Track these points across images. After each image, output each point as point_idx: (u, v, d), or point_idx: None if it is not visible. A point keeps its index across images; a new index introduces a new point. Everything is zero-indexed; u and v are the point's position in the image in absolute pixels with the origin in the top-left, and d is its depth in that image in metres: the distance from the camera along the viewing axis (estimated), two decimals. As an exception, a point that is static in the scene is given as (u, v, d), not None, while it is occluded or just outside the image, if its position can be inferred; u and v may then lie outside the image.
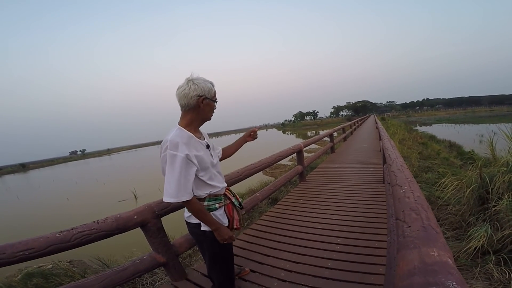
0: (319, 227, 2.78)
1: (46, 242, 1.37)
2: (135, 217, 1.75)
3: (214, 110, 1.37)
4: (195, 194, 1.31)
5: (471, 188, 2.70)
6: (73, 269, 3.18)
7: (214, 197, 1.38)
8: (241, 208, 1.55)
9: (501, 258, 1.98)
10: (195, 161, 1.24)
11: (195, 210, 1.27)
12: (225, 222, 1.42)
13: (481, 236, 2.13)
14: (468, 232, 2.33)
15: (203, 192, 1.34)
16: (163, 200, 1.19)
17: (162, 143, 1.25)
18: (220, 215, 1.40)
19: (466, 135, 17.59)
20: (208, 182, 1.33)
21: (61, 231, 1.45)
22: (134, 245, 3.40)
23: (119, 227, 1.66)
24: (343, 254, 2.20)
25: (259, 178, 7.28)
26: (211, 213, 1.35)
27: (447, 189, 3.05)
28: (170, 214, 1.96)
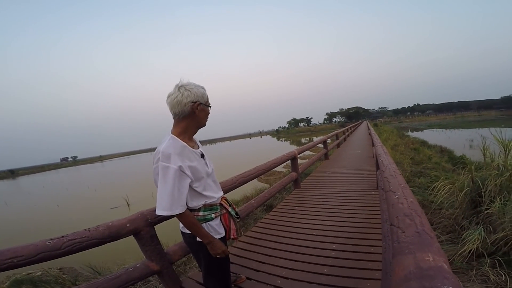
0: (314, 233, 2.78)
1: (36, 249, 1.33)
2: (127, 225, 1.71)
3: (208, 116, 1.33)
4: (189, 205, 1.28)
5: (463, 192, 2.74)
6: (64, 276, 3.11)
7: (209, 207, 1.34)
8: (237, 218, 1.52)
9: (496, 261, 2.01)
10: (189, 173, 1.20)
11: (188, 223, 1.24)
12: (222, 232, 1.38)
13: (475, 239, 2.16)
14: (462, 235, 2.36)
15: (198, 203, 1.30)
16: (156, 213, 1.17)
17: (154, 153, 1.21)
18: (216, 225, 1.36)
19: (456, 140, 17.92)
20: (202, 192, 1.30)
21: (51, 239, 1.41)
22: (127, 252, 3.34)
23: (111, 235, 1.63)
24: (338, 260, 2.20)
25: (253, 185, 7.26)
26: (207, 223, 1.33)
27: (440, 193, 3.09)
28: (164, 221, 1.93)
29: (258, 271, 2.19)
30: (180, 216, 1.21)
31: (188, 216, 1.23)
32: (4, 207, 15.77)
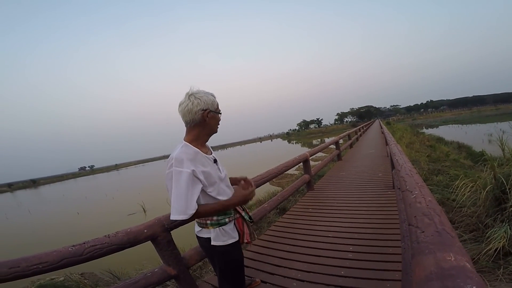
0: (329, 235, 2.74)
1: (59, 256, 1.39)
2: (145, 230, 1.75)
3: (219, 122, 1.35)
4: None
5: (486, 189, 2.64)
6: (85, 281, 3.19)
7: (223, 211, 1.35)
8: (251, 222, 1.51)
9: (525, 259, 1.92)
10: (202, 178, 1.21)
11: (206, 212, 1.24)
12: (236, 236, 1.38)
13: (501, 237, 2.07)
14: (486, 233, 2.27)
15: None
16: (171, 218, 1.17)
17: (167, 160, 1.23)
18: (230, 230, 1.36)
19: (474, 135, 17.28)
20: (217, 197, 1.29)
21: (73, 245, 1.46)
22: (145, 258, 3.40)
23: (130, 241, 1.67)
24: (356, 261, 2.16)
25: (266, 188, 7.24)
26: (221, 227, 1.33)
27: (462, 191, 2.98)
28: (180, 227, 1.96)
29: (273, 274, 2.18)
30: (195, 214, 1.20)
31: (202, 208, 1.22)
32: (27, 215, 16.45)
